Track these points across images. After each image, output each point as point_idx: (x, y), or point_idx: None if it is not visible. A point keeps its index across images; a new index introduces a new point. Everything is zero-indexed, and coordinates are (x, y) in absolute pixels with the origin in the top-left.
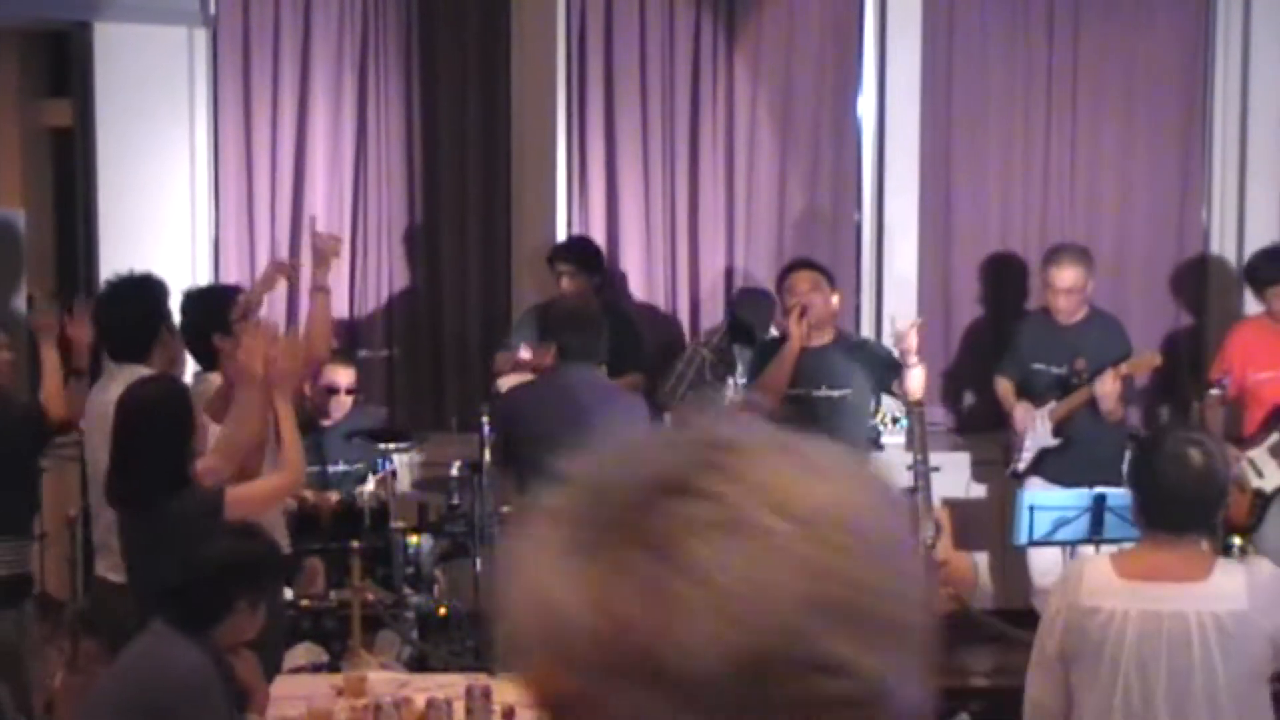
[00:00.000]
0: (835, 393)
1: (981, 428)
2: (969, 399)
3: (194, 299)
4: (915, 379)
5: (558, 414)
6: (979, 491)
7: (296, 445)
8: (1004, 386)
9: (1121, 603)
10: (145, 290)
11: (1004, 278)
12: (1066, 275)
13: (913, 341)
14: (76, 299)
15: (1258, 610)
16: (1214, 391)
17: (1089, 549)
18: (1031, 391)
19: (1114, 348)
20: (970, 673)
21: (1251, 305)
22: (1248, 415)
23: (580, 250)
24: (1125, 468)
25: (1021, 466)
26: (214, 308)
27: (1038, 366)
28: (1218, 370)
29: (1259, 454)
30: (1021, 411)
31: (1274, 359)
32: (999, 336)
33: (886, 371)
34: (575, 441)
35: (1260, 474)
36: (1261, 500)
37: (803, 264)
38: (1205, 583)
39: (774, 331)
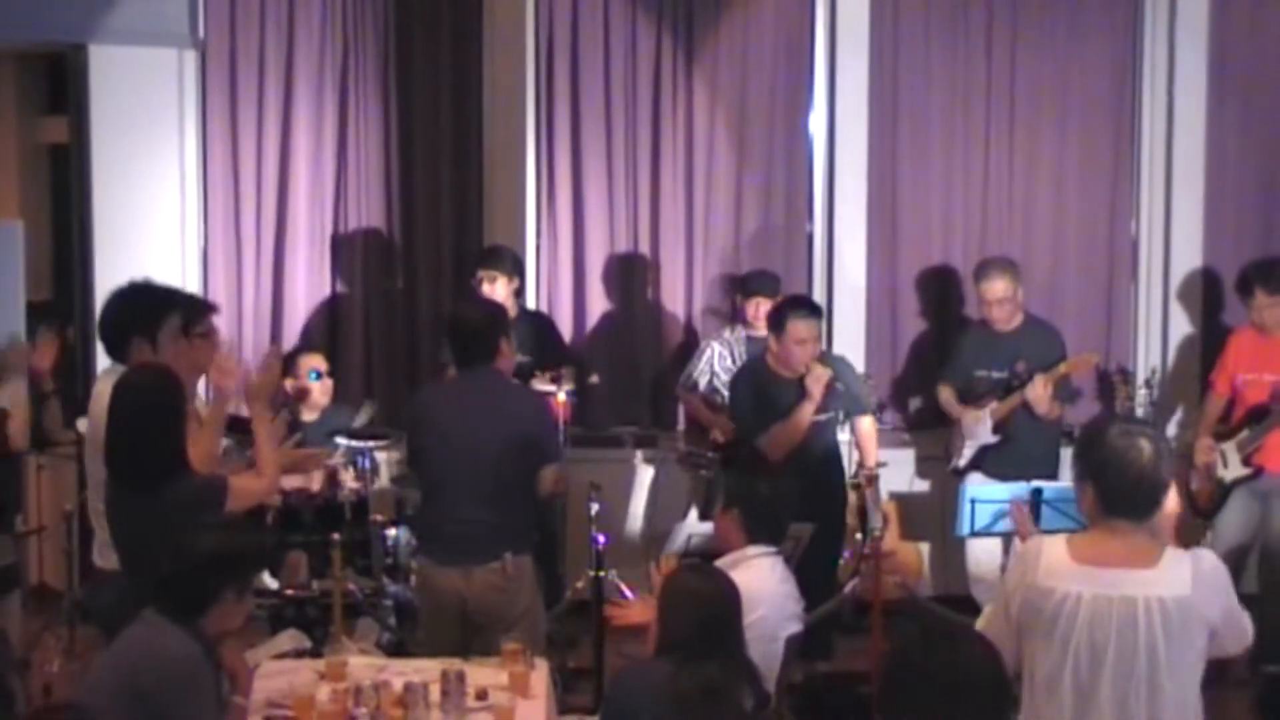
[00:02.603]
0: (820, 417)
1: (925, 427)
2: (914, 401)
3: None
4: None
5: (451, 418)
6: (923, 486)
7: (272, 455)
8: (946, 394)
9: (1075, 586)
10: (129, 297)
11: (947, 284)
12: (996, 287)
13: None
14: (39, 330)
15: (1199, 597)
16: (1142, 390)
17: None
18: (974, 395)
19: (1051, 350)
20: None
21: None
22: (1234, 412)
23: (511, 257)
24: (1072, 462)
25: (962, 464)
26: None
27: (980, 373)
28: (1218, 372)
29: (1229, 446)
30: (969, 420)
31: (1256, 363)
32: (942, 340)
33: (853, 405)
34: (467, 443)
35: (1225, 465)
36: (1223, 488)
37: (804, 308)
38: (1154, 570)
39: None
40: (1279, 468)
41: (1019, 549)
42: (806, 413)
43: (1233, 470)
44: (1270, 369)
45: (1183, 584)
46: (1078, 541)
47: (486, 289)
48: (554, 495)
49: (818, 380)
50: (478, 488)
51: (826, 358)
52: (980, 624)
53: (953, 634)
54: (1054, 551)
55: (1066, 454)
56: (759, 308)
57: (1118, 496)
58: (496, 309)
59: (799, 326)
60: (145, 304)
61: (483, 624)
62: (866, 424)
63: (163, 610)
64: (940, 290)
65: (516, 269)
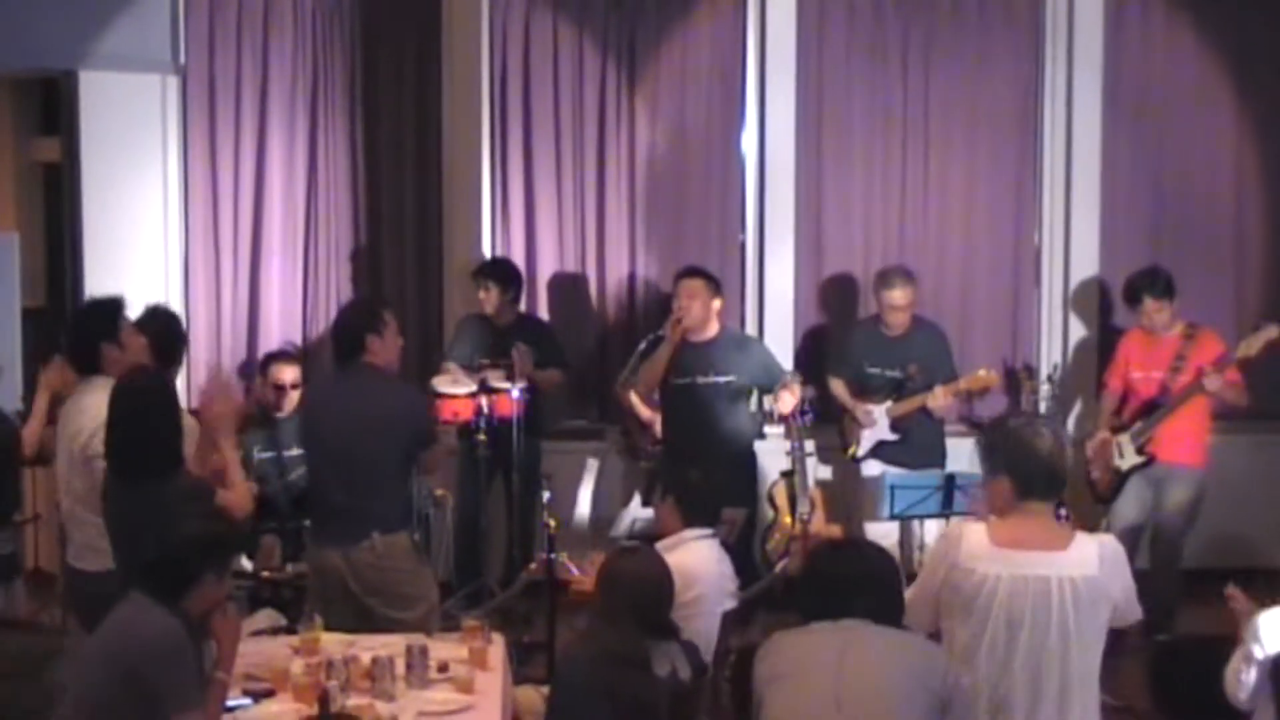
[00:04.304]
0: (720, 379)
1: (820, 419)
2: (809, 393)
3: (82, 312)
4: (785, 402)
5: (323, 411)
6: (824, 474)
7: (238, 481)
8: (838, 385)
9: (994, 567)
10: (92, 311)
11: (866, 290)
12: (898, 295)
13: (787, 404)
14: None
15: (1105, 577)
16: (1045, 385)
17: (940, 521)
18: (867, 390)
19: (937, 351)
20: None
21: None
22: (1127, 407)
23: (501, 268)
24: (981, 461)
25: (861, 453)
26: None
27: (872, 370)
28: (1111, 371)
29: (1124, 438)
30: (862, 415)
31: (1146, 361)
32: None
33: (766, 376)
34: (335, 434)
35: (1122, 455)
36: (1120, 476)
37: (689, 272)
38: (1065, 552)
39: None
40: (1169, 456)
41: (942, 531)
42: (664, 349)
43: (1128, 460)
44: (1158, 366)
45: (1091, 565)
46: (997, 526)
47: (482, 296)
48: (431, 474)
49: (674, 321)
50: (346, 474)
51: (734, 334)
52: (908, 595)
53: (857, 543)
54: (975, 535)
55: (951, 444)
56: None
57: (1031, 481)
58: (367, 310)
59: (679, 284)
60: (103, 310)
61: (373, 604)
62: (783, 398)
63: (148, 592)
64: (865, 293)
65: (509, 279)
